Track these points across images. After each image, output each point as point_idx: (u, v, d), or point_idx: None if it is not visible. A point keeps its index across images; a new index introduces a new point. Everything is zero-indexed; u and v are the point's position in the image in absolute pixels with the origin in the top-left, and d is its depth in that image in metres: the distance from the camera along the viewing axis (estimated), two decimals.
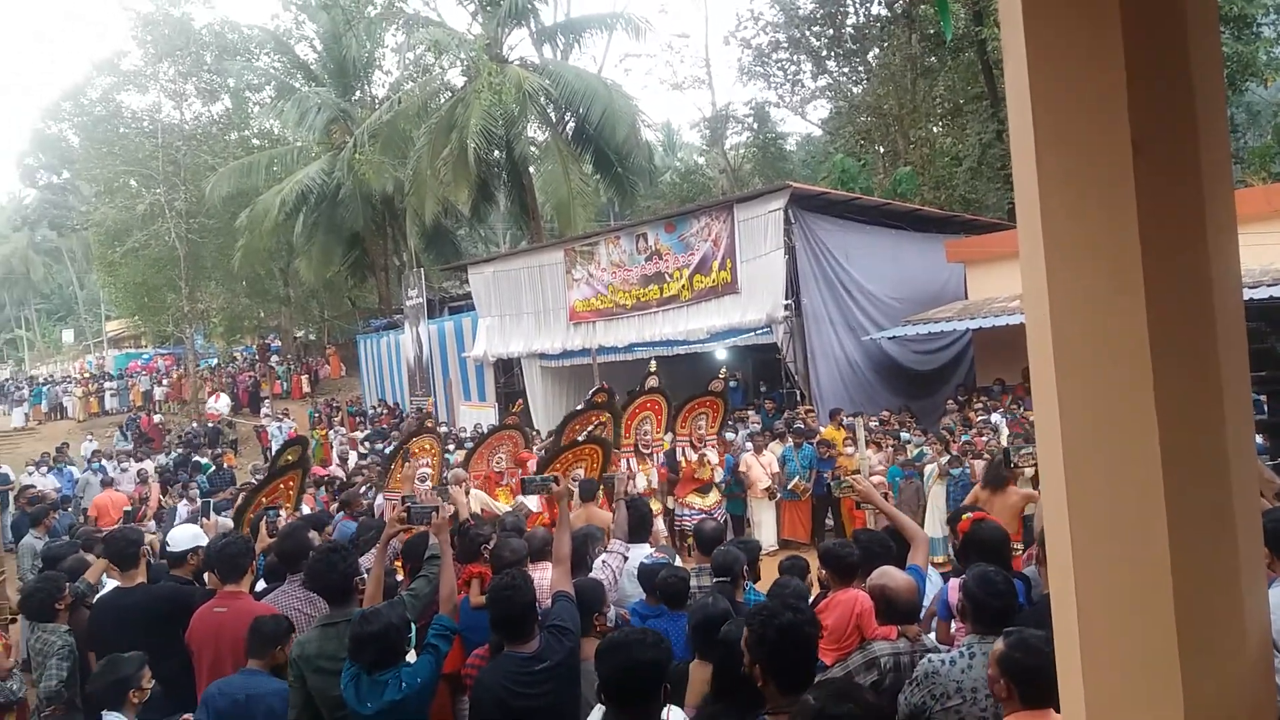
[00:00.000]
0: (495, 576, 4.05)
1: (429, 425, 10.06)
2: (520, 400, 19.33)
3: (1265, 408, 7.59)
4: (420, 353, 25.19)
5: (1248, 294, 12.43)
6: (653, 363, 14.15)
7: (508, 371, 21.90)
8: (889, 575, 3.48)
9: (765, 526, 11.84)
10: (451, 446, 14.86)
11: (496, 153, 27.94)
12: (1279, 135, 26.39)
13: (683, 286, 17.24)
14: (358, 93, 34.24)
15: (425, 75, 30.35)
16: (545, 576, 4.42)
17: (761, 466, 11.80)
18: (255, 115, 35.69)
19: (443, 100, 28.77)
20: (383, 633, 3.42)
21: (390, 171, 28.66)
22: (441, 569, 4.11)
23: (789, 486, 11.70)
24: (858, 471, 10.33)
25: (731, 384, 18.40)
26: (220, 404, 28.54)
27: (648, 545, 5.63)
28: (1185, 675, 1.14)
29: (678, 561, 5.61)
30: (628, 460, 10.23)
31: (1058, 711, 2.29)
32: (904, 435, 12.27)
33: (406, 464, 9.15)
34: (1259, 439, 6.95)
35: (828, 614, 3.97)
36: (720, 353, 17.99)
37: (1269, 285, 12.56)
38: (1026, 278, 1.29)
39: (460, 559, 4.73)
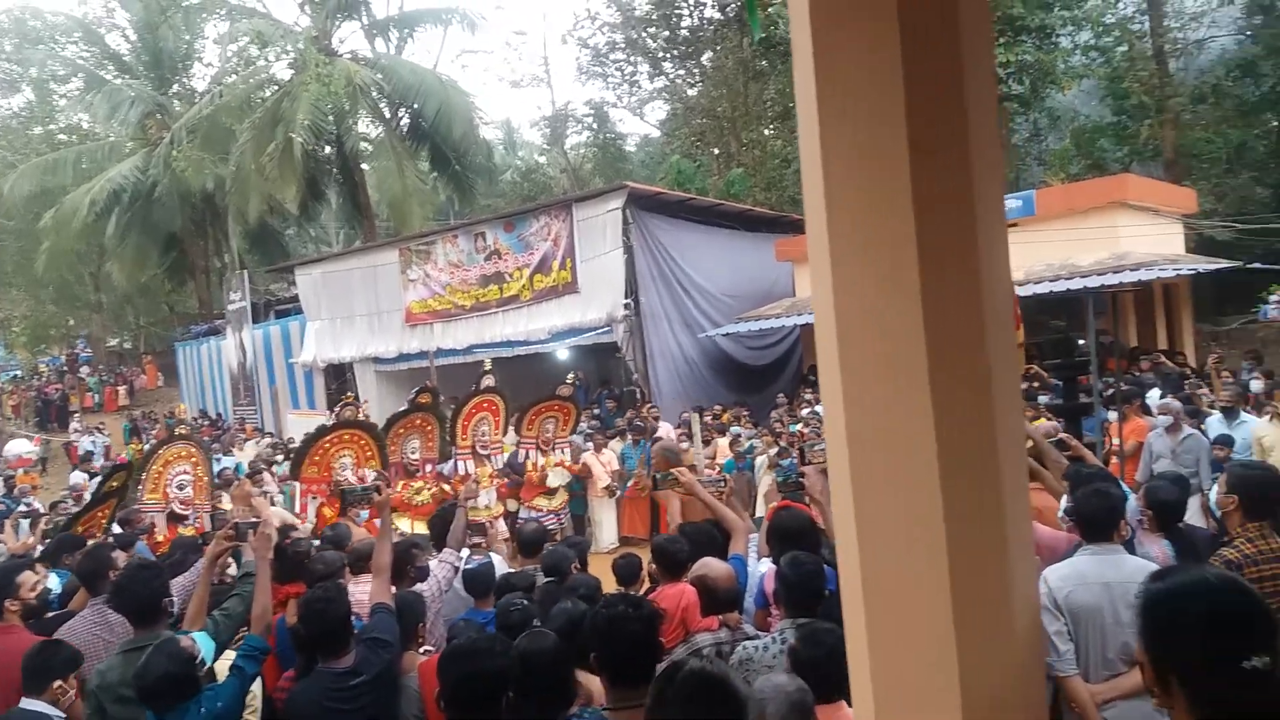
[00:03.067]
0: (307, 591, 3.85)
1: (181, 433, 9.50)
2: (349, 395, 18.59)
3: (1062, 393, 8.15)
4: (244, 359, 23.96)
5: (1047, 287, 13.39)
6: (486, 362, 13.94)
7: (339, 377, 21.08)
8: (709, 566, 3.52)
9: (605, 525, 11.88)
10: (280, 458, 14.22)
11: (327, 149, 26.96)
12: (1077, 139, 28.59)
13: (523, 286, 17.07)
14: (175, 85, 32.32)
15: (249, 68, 28.92)
16: (366, 590, 4.25)
17: (601, 465, 11.82)
18: (61, 108, 33.13)
19: (268, 94, 27.48)
20: (164, 677, 3.18)
21: (211, 168, 27.11)
22: (256, 587, 3.88)
23: (629, 482, 11.78)
24: (694, 466, 10.59)
25: (573, 383, 18.39)
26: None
27: (468, 550, 5.50)
28: (961, 654, 1.19)
29: (503, 564, 5.53)
30: (464, 463, 10.02)
31: (850, 705, 2.34)
32: (735, 429, 12.56)
33: (164, 473, 8.63)
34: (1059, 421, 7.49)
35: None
36: (562, 353, 17.94)
37: (1066, 279, 13.53)
38: (814, 275, 1.31)
39: (278, 578, 4.48)
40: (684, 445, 11.78)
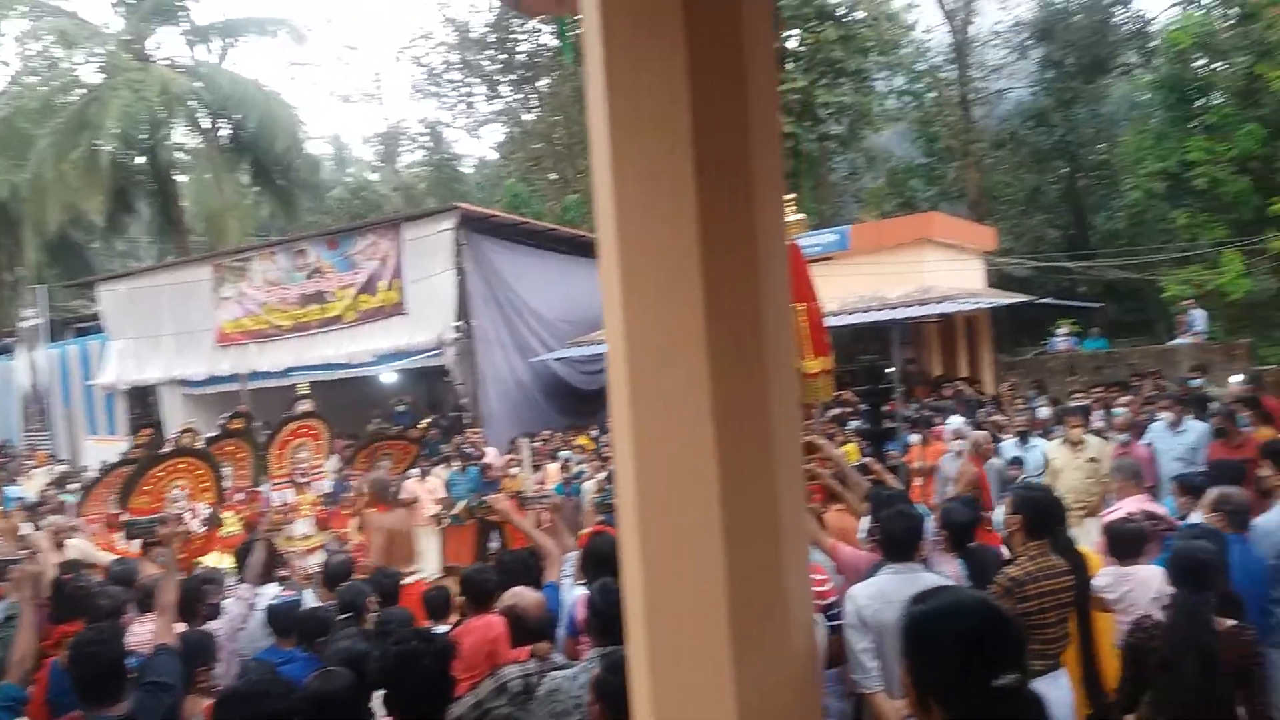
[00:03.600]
0: (81, 631, 3.54)
1: None
2: (149, 430, 17.38)
3: (867, 418, 8.58)
4: (36, 381, 22.03)
5: (859, 318, 14.11)
6: (302, 386, 13.33)
7: (143, 400, 19.69)
8: (519, 595, 3.47)
9: (428, 554, 11.54)
10: (74, 486, 13.11)
11: (138, 158, 25.32)
12: (891, 179, 30.39)
13: (346, 307, 16.50)
14: None
15: (51, 69, 26.86)
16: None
17: (426, 492, 11.53)
18: None
19: (73, 98, 25.58)
20: None
21: (5, 175, 24.94)
22: (18, 630, 3.53)
23: (455, 511, 11.54)
24: (521, 492, 10.51)
25: (400, 408, 17.92)
26: None
27: (276, 585, 5.24)
28: (738, 673, 1.21)
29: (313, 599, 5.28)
30: (281, 493, 9.53)
31: None
32: (565, 453, 12.55)
33: None
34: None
35: (462, 641, 3.88)
36: (388, 376, 17.40)
37: (876, 310, 14.31)
38: (605, 293, 1.30)
39: (56, 617, 4.10)
40: (513, 471, 11.70)
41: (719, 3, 1.22)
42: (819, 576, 4.19)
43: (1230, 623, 3.58)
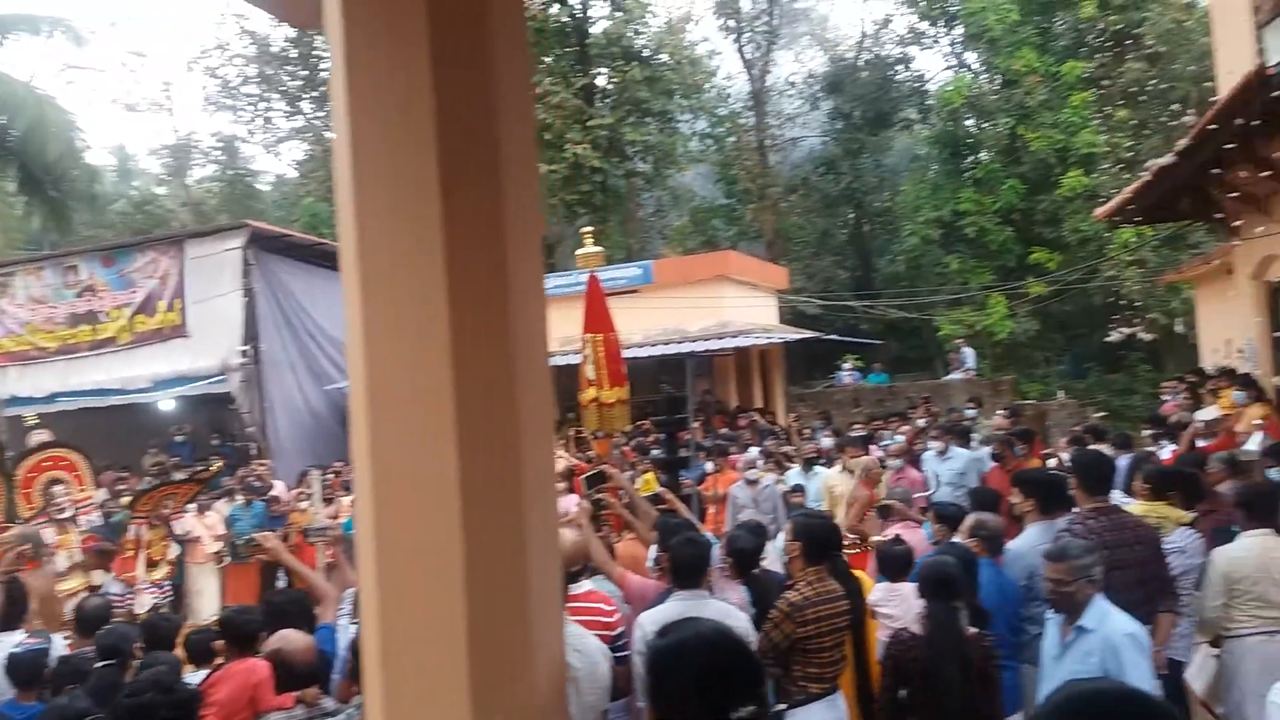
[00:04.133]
0: None
1: None
2: None
3: (664, 447, 8.76)
4: None
5: (662, 350, 14.45)
6: (29, 417, 12.08)
7: None
8: (285, 639, 3.27)
9: (207, 594, 10.78)
10: None
11: None
12: (694, 217, 31.41)
13: (121, 328, 15.27)
14: None
15: None
16: None
17: (206, 528, 10.77)
18: None
19: None
20: None
21: None
22: None
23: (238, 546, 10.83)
24: (308, 527, 9.99)
25: (179, 438, 16.70)
26: None
27: (20, 631, 4.72)
28: (476, 709, 1.16)
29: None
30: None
31: None
32: None
33: None
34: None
35: (220, 687, 3.62)
36: (166, 403, 16.18)
37: (678, 343, 14.70)
38: (348, 313, 1.24)
39: None
40: (302, 504, 11.14)
41: (465, 17, 1.20)
42: (606, 607, 4.19)
43: (973, 630, 3.88)
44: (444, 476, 1.16)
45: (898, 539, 5.32)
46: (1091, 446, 7.77)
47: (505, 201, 1.22)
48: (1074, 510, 5.24)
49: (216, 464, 11.75)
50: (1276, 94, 4.71)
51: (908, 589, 4.79)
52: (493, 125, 1.21)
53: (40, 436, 9.48)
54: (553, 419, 1.40)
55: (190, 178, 34.37)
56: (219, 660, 3.95)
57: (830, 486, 8.28)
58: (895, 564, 4.89)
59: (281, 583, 10.99)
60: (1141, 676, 3.32)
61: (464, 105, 1.19)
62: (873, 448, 9.36)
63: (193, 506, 11.03)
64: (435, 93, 1.16)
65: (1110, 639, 3.41)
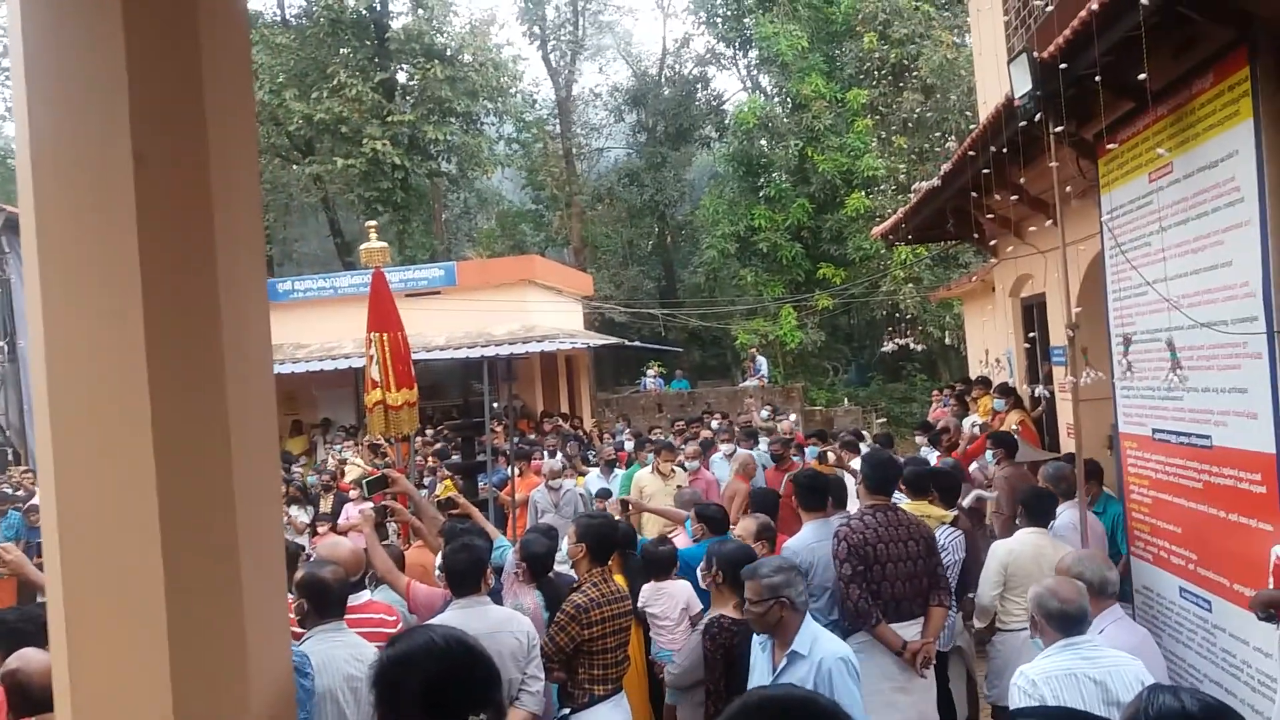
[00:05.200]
0: None
1: None
2: None
3: (462, 451, 8.64)
4: None
5: (467, 353, 14.24)
6: None
7: None
8: (23, 658, 2.95)
9: None
10: None
11: None
12: (501, 221, 31.20)
13: None
14: None
15: None
16: None
17: None
18: None
19: None
20: None
21: None
22: None
23: None
24: None
25: None
26: None
27: None
28: None
29: None
30: None
31: None
32: None
33: None
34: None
35: None
36: None
37: (483, 346, 14.53)
38: (29, 298, 1.11)
39: None
40: None
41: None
42: (388, 617, 4.07)
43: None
44: (140, 489, 1.06)
45: (663, 539, 5.50)
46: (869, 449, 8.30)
47: (212, 175, 1.12)
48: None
49: None
50: (1021, 124, 5.18)
51: (674, 587, 4.96)
52: (198, 90, 1.11)
53: None
54: (274, 424, 1.30)
55: None
56: None
57: (641, 486, 8.41)
58: (660, 564, 5.03)
59: (42, 599, 10.01)
60: (853, 701, 3.33)
61: (163, 68, 1.09)
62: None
63: None
64: (127, 47, 1.05)
65: (823, 664, 3.37)
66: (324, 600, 3.38)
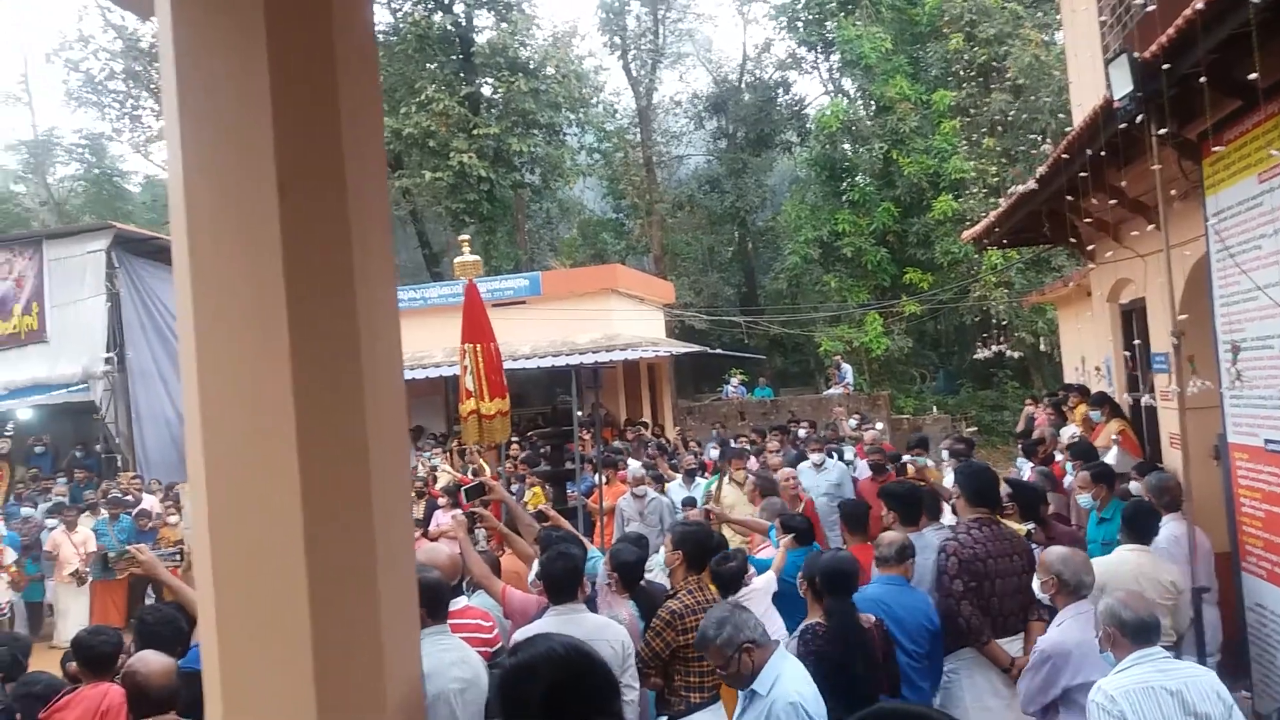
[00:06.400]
0: None
1: None
2: None
3: (551, 459, 8.75)
4: None
5: (552, 362, 14.42)
6: None
7: None
8: (143, 660, 3.12)
9: (73, 614, 10.18)
10: None
11: None
12: (583, 230, 31.48)
13: None
14: None
15: None
16: None
17: (74, 545, 10.17)
18: None
19: None
20: None
21: None
22: None
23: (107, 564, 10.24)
24: (181, 542, 9.57)
25: (38, 449, 15.72)
26: None
27: None
28: None
29: None
30: None
31: None
32: None
33: None
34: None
35: (66, 713, 3.43)
36: (23, 413, 15.22)
37: (566, 355, 14.69)
38: (180, 313, 1.19)
39: None
40: (172, 519, 10.71)
41: (306, 19, 1.17)
42: (485, 623, 4.15)
43: (872, 618, 4.00)
44: (285, 493, 1.12)
45: (726, 556, 5.43)
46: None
47: (350, 201, 1.19)
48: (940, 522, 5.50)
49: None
50: (1121, 126, 5.04)
51: (756, 596, 4.89)
52: (335, 122, 1.18)
53: None
54: (406, 431, 1.37)
55: (52, 176, 32.52)
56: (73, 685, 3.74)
57: (721, 497, 8.39)
58: (727, 580, 4.70)
59: (151, 600, 10.48)
60: None
61: (304, 100, 1.15)
62: (752, 460, 9.57)
63: (59, 521, 10.43)
64: (272, 86, 1.12)
65: (773, 707, 3.13)
66: (436, 604, 3.45)
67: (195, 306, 1.15)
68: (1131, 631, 3.15)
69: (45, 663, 4.92)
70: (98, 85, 28.28)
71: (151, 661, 3.11)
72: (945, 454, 9.41)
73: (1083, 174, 6.07)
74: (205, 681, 1.16)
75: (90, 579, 10.22)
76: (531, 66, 24.90)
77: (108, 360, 13.75)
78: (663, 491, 8.98)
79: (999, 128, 21.95)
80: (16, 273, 14.25)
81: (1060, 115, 19.65)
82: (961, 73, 22.63)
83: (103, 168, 32.04)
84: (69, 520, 10.50)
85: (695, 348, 20.05)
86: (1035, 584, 4.05)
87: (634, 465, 9.81)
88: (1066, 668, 3.69)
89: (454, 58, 25.29)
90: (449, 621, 3.65)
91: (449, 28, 24.95)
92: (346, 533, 1.16)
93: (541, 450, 11.65)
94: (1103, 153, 5.66)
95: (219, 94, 1.14)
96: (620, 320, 17.21)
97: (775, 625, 4.73)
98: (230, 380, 1.15)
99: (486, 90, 25.34)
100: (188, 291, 1.15)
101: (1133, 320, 8.66)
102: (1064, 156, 6.51)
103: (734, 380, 22.27)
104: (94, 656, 3.58)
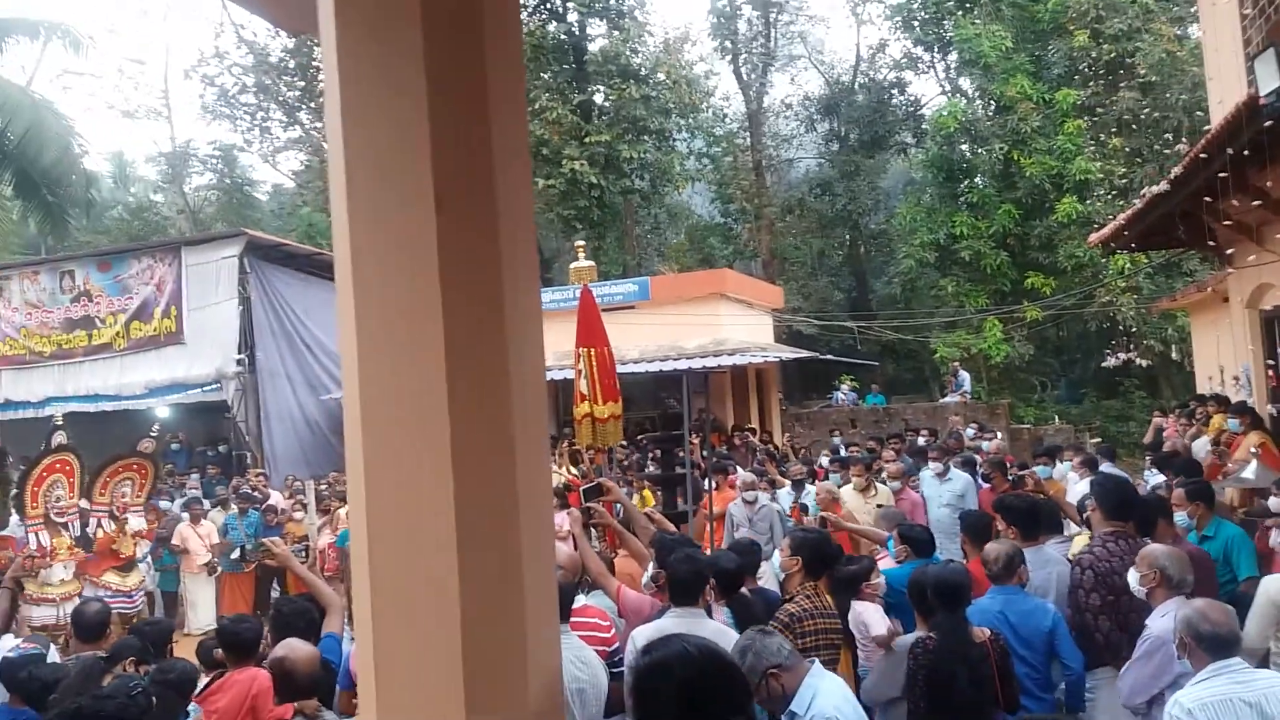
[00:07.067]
0: None
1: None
2: None
3: (661, 463, 8.77)
4: None
5: (660, 366, 14.47)
6: (58, 416, 12.21)
7: None
8: (289, 647, 3.26)
9: (202, 605, 10.73)
10: None
11: None
12: (690, 235, 31.53)
13: (116, 334, 15.28)
14: None
15: None
16: None
17: (200, 537, 10.73)
18: None
19: None
20: None
21: None
22: None
23: (232, 556, 10.79)
24: (305, 538, 9.98)
25: (174, 446, 16.67)
26: None
27: (11, 636, 4.71)
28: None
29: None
30: (36, 534, 8.60)
31: None
32: None
33: None
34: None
35: (219, 696, 3.62)
36: (161, 411, 16.15)
37: (674, 360, 14.72)
38: (341, 326, 1.25)
39: None
40: (298, 515, 11.13)
41: (460, 37, 1.21)
42: (603, 622, 4.19)
43: (987, 631, 3.90)
44: (439, 489, 1.16)
45: (850, 559, 5.33)
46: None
47: (500, 214, 1.23)
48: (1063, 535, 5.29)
49: (146, 443, 11.46)
50: (1267, 124, 4.77)
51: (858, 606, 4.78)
52: (487, 137, 1.22)
53: (58, 439, 9.42)
54: (547, 432, 1.40)
55: (188, 185, 34.42)
56: (220, 669, 3.95)
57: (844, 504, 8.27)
58: (848, 582, 4.73)
59: (275, 592, 10.96)
60: None
61: (458, 117, 1.19)
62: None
63: (186, 515, 10.98)
64: (429, 104, 1.17)
65: None
66: (564, 603, 3.51)
67: (358, 317, 1.21)
68: (1208, 644, 3.11)
69: (180, 650, 5.19)
70: (230, 99, 29.76)
71: (299, 649, 3.25)
72: (1068, 465, 9.04)
73: (1222, 174, 5.77)
74: (359, 675, 1.22)
75: (220, 570, 10.75)
76: (643, 73, 25.09)
77: (239, 361, 14.46)
78: (773, 498, 8.90)
79: (1129, 126, 21.03)
80: (157, 278, 15.11)
81: (1196, 113, 18.71)
82: (1087, 70, 21.77)
83: (234, 177, 33.71)
84: (195, 514, 11.02)
85: (805, 353, 19.82)
86: (1132, 577, 3.91)
87: (743, 472, 9.75)
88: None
89: (567, 66, 25.69)
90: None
91: (562, 37, 25.35)
92: (495, 529, 1.21)
93: (651, 454, 11.71)
94: (1245, 151, 5.37)
95: (379, 115, 1.20)
96: (728, 325, 17.16)
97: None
98: (389, 386, 1.20)
99: (598, 98, 25.66)
100: (350, 303, 1.22)
101: (1275, 327, 8.19)
102: (1202, 155, 6.20)
103: (844, 386, 21.92)
104: (239, 643, 3.78)
